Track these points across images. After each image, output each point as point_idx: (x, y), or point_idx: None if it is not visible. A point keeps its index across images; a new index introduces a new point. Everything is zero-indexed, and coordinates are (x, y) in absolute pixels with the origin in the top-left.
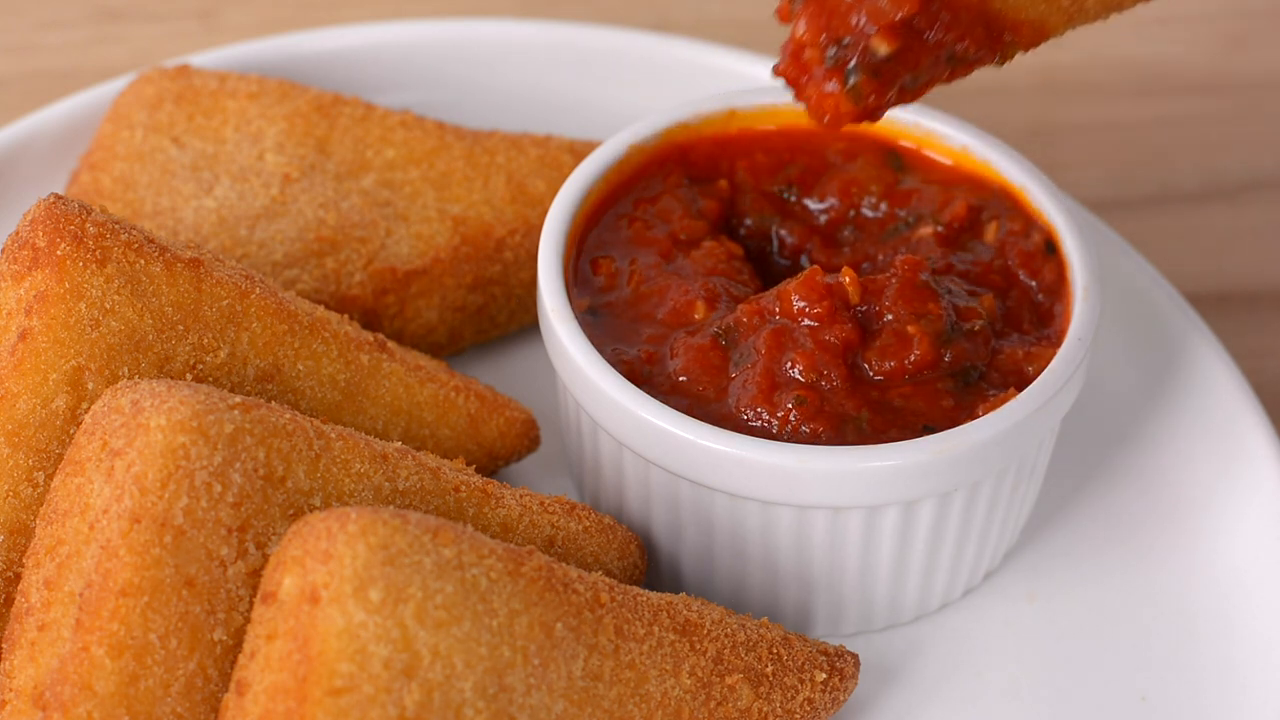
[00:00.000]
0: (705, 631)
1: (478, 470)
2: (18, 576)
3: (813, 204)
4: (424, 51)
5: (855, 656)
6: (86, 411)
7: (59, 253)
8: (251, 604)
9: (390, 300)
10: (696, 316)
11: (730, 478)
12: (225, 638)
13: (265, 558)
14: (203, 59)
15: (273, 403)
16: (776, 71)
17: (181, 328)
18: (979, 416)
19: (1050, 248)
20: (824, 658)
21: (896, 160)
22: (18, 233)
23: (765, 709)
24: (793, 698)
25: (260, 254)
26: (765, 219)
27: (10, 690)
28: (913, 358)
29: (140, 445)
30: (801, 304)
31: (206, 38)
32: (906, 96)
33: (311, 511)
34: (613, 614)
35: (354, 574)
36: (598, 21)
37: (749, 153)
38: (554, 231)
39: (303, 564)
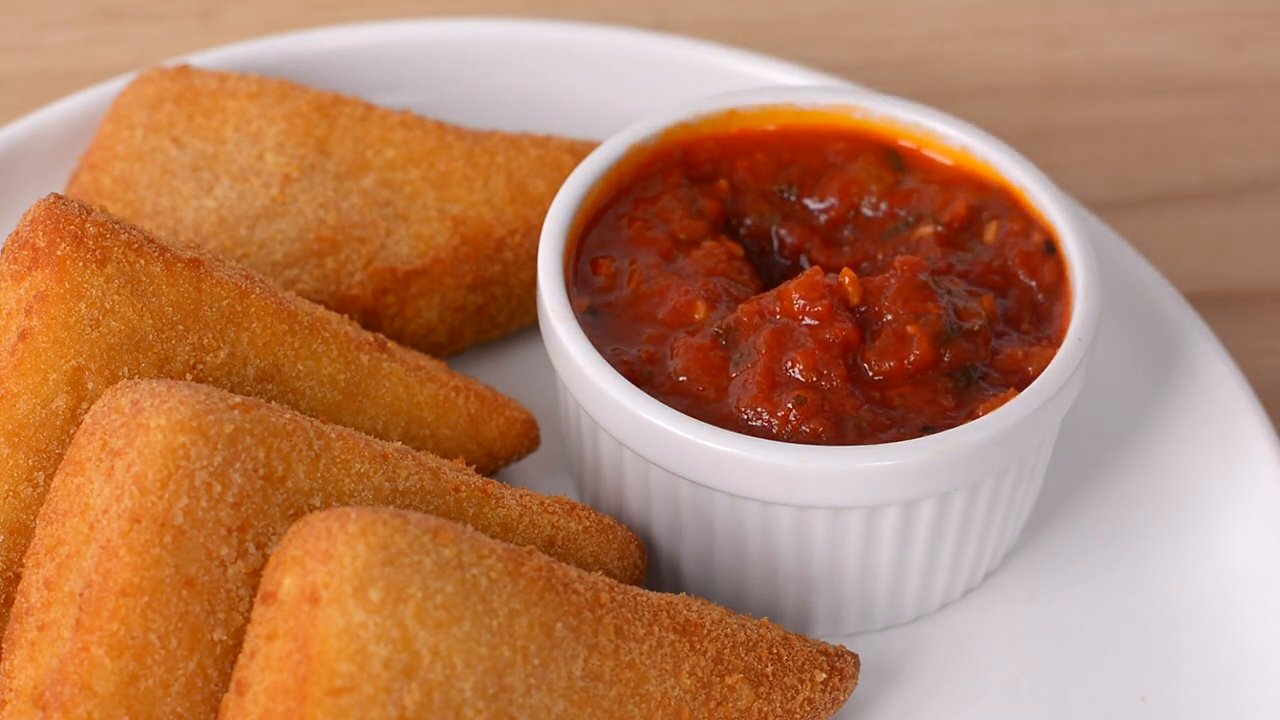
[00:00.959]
0: (705, 631)
1: (478, 470)
2: (18, 576)
3: (813, 204)
4: (424, 51)
5: (855, 656)
6: (86, 411)
7: (59, 253)
8: (251, 604)
9: (390, 300)
10: (697, 316)
11: (730, 478)
12: (225, 638)
13: (265, 558)
14: (203, 59)
15: (273, 403)
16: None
17: (181, 328)
18: (979, 416)
19: (1050, 248)
20: (824, 658)
21: (897, 160)
22: (18, 233)
23: (765, 709)
24: (793, 698)
25: (260, 254)
26: (765, 219)
27: (10, 690)
28: (912, 357)
29: (140, 445)
30: (802, 303)
31: (206, 38)
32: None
33: (311, 511)
34: (613, 614)
35: (354, 574)
36: (598, 21)
37: (749, 152)
38: (554, 231)
39: (303, 564)
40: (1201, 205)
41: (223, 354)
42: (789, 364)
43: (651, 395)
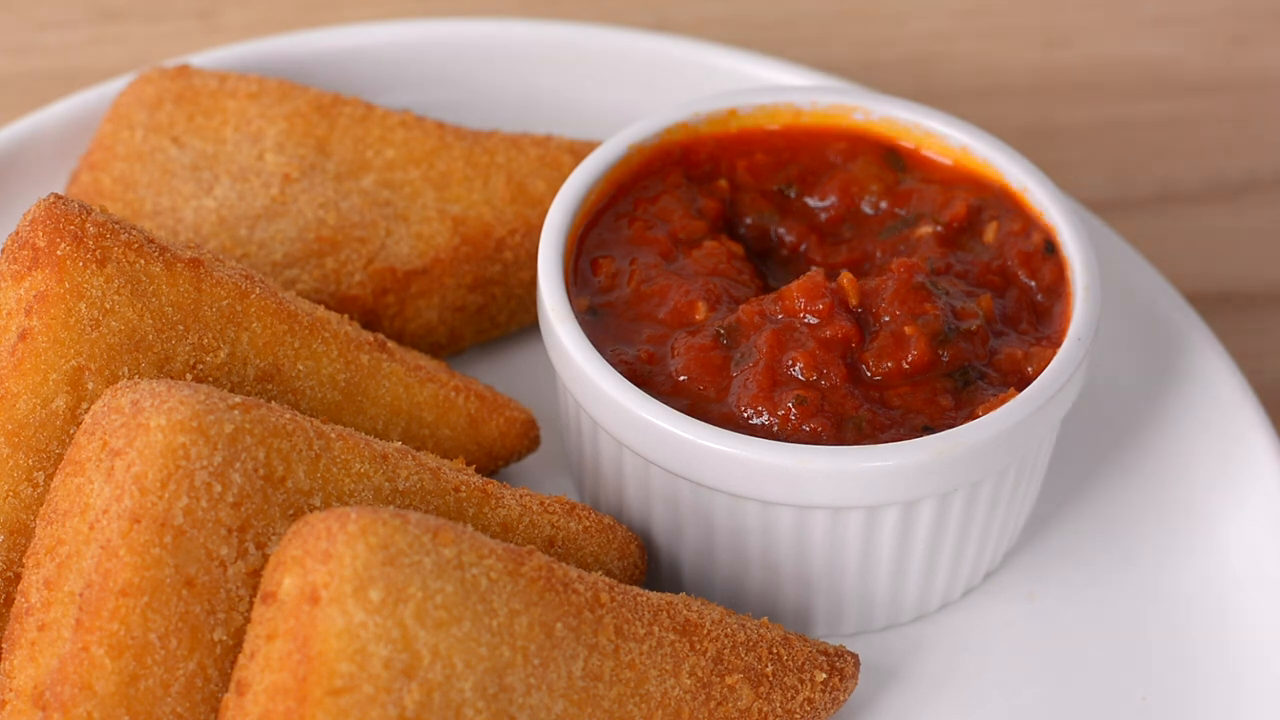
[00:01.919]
0: (705, 631)
1: (478, 470)
2: (18, 576)
3: (813, 202)
4: (424, 51)
5: (855, 656)
6: (86, 411)
7: (59, 253)
8: (251, 604)
9: (390, 300)
10: (697, 317)
11: (730, 478)
12: (225, 638)
13: (265, 558)
14: (203, 59)
15: (273, 403)
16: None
17: (181, 328)
18: (979, 416)
19: (1050, 248)
20: (824, 658)
21: (897, 160)
22: (18, 233)
23: (765, 709)
24: (793, 698)
25: (260, 254)
26: (765, 218)
27: (10, 690)
28: (910, 358)
29: (140, 445)
30: (802, 302)
31: (206, 38)
32: None
33: (311, 511)
34: (613, 614)
35: (354, 574)
36: (598, 21)
37: (749, 152)
38: (554, 231)
39: (303, 564)
40: (1201, 205)
41: (223, 354)
42: (789, 363)
43: (652, 395)
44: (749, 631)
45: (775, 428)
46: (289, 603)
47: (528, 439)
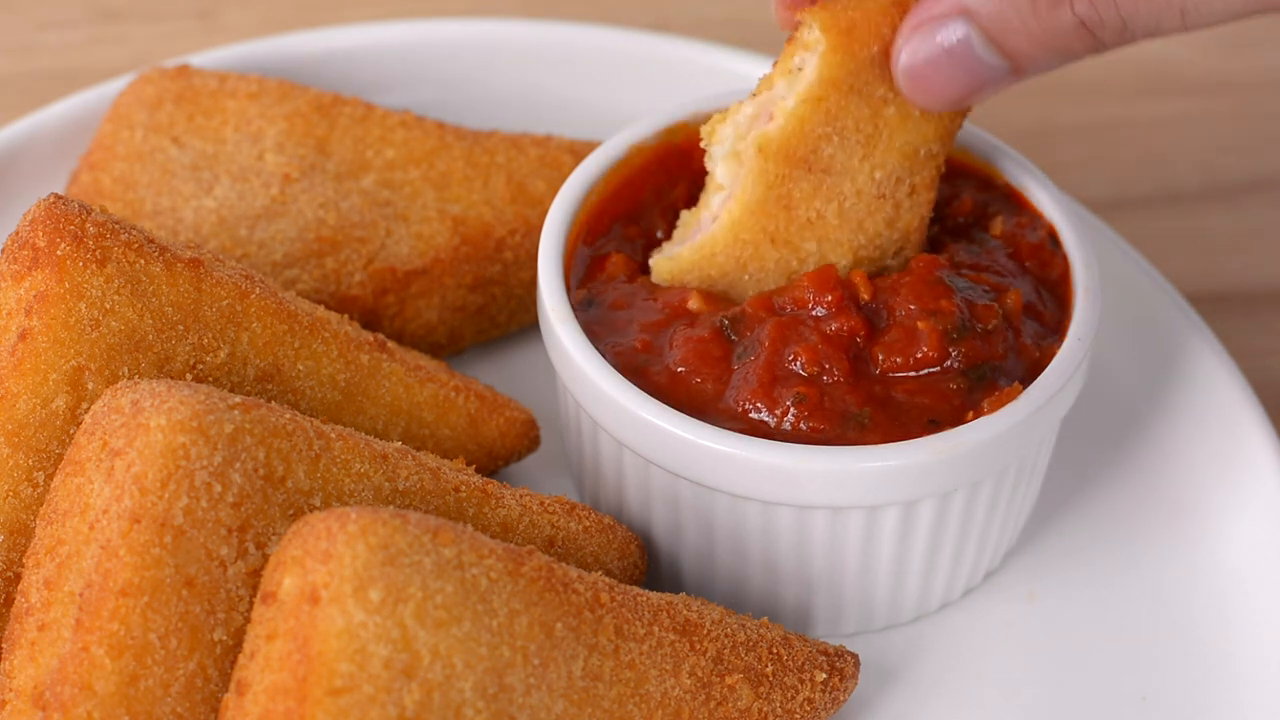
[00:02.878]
0: (705, 631)
1: (478, 470)
2: (18, 576)
3: None
4: (424, 51)
5: (855, 656)
6: (86, 411)
7: (59, 253)
8: (251, 604)
9: (390, 300)
10: (692, 307)
11: (730, 478)
12: (225, 638)
13: (265, 558)
14: (203, 59)
15: (273, 403)
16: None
17: (181, 328)
18: (982, 411)
19: (1053, 243)
20: (824, 658)
21: None
22: (18, 233)
23: (765, 709)
24: (793, 698)
25: (260, 254)
26: None
27: (10, 690)
28: (919, 354)
29: (140, 445)
30: (810, 293)
31: (206, 38)
32: None
33: (311, 511)
34: (613, 614)
35: (354, 574)
36: (598, 21)
37: None
38: (554, 231)
39: (303, 564)
40: (1201, 205)
41: (223, 354)
42: (791, 358)
43: (648, 387)
44: (749, 631)
45: (773, 423)
46: (289, 603)
47: (528, 439)
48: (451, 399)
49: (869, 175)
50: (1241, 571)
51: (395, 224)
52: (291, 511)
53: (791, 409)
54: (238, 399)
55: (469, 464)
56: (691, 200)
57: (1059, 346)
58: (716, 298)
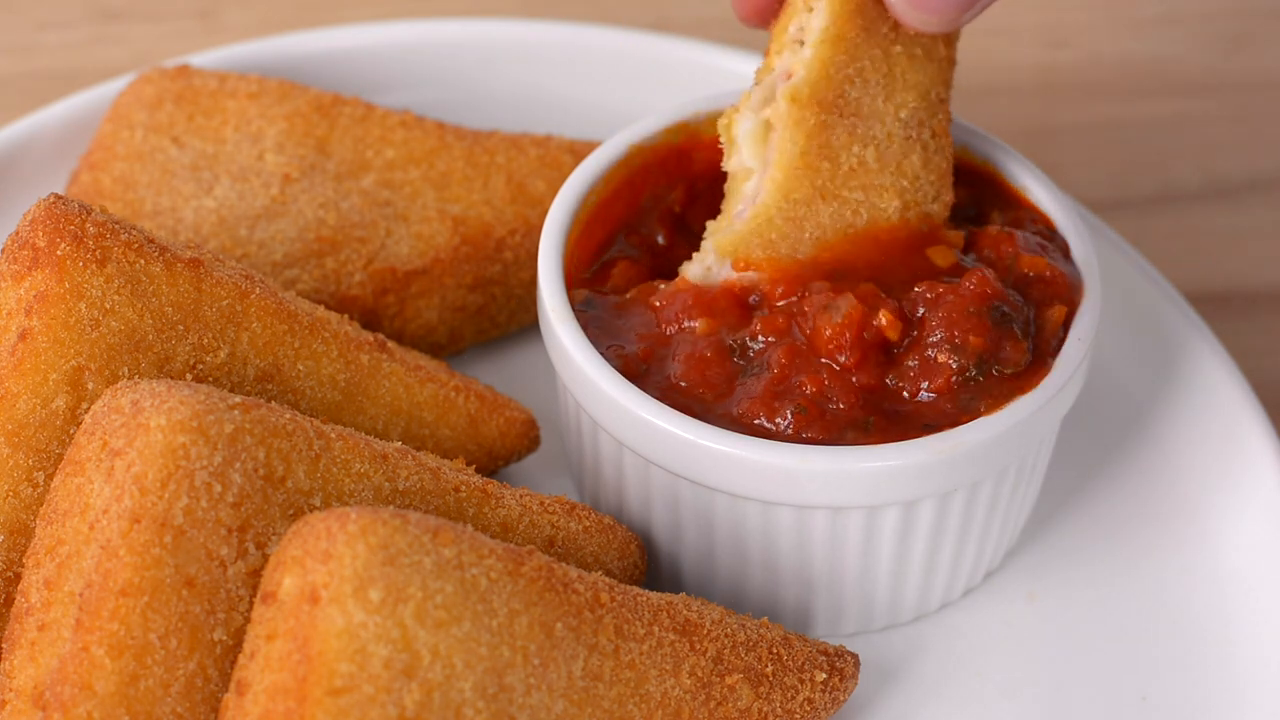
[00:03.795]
0: (705, 631)
1: (478, 470)
2: (18, 576)
3: None
4: (424, 51)
5: (855, 656)
6: (86, 411)
7: (59, 253)
8: (251, 604)
9: (390, 300)
10: (698, 329)
11: (730, 478)
12: (225, 638)
13: (265, 558)
14: (203, 59)
15: (273, 403)
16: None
17: (181, 328)
18: (980, 416)
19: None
20: (824, 658)
21: None
22: (18, 233)
23: (765, 709)
24: (793, 698)
25: (260, 254)
26: None
27: (10, 690)
28: (928, 385)
29: (140, 445)
30: (833, 345)
31: (206, 38)
32: None
33: (311, 511)
34: (613, 614)
35: (354, 574)
36: (598, 21)
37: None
38: (554, 231)
39: (303, 564)
40: (1201, 205)
41: (223, 354)
42: (798, 384)
43: (647, 392)
44: (749, 631)
45: (772, 433)
46: (289, 603)
47: (528, 439)
48: (451, 399)
49: (894, 116)
50: (1241, 571)
51: (395, 224)
52: (291, 511)
53: (791, 422)
54: (238, 399)
55: (469, 464)
56: (692, 200)
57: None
58: (720, 313)
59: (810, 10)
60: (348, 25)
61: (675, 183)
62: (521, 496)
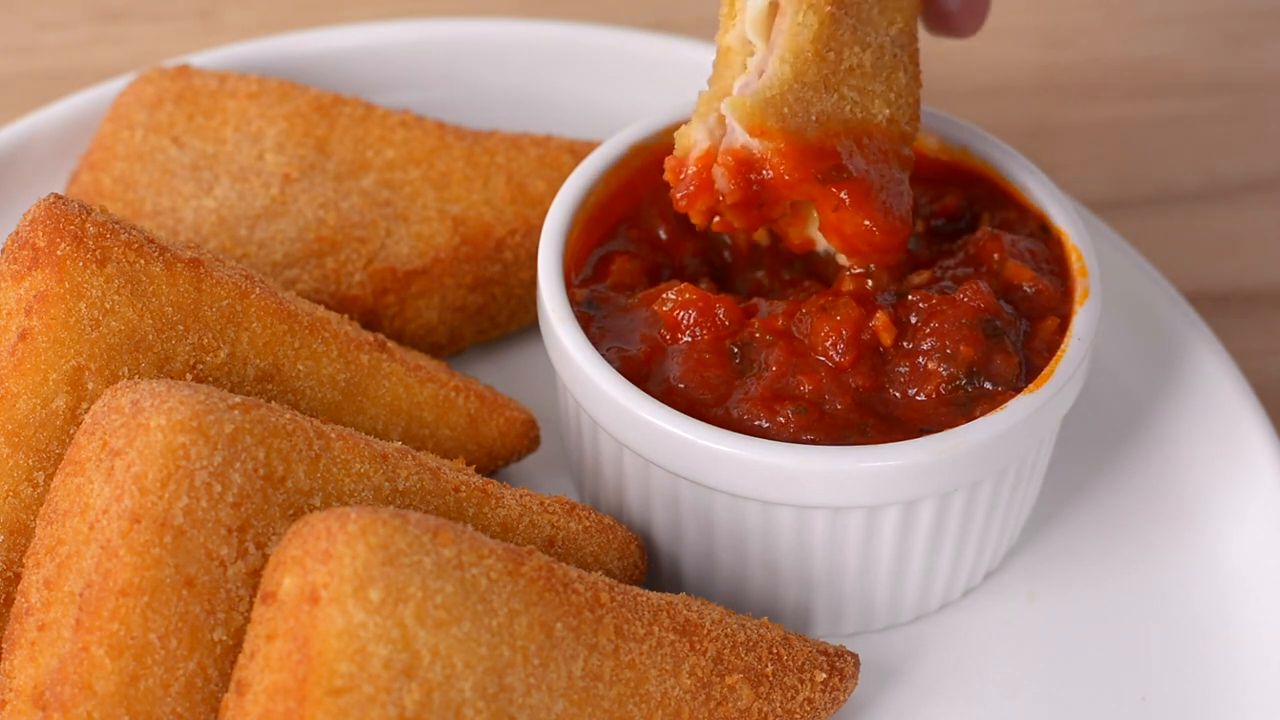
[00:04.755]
0: (705, 631)
1: (478, 470)
2: (18, 576)
3: None
4: (424, 51)
5: (855, 656)
6: (86, 411)
7: (59, 253)
8: (251, 604)
9: (390, 300)
10: (698, 335)
11: (730, 478)
12: (225, 638)
13: (265, 558)
14: (203, 59)
15: (273, 403)
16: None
17: (181, 328)
18: (978, 417)
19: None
20: (824, 658)
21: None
22: (18, 233)
23: (765, 709)
24: (793, 698)
25: (260, 254)
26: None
27: (10, 690)
28: (916, 392)
29: (140, 445)
30: (830, 341)
31: (206, 38)
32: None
33: (311, 511)
34: (613, 614)
35: (354, 574)
36: (598, 21)
37: None
38: (554, 231)
39: (303, 564)
40: (1201, 205)
41: (223, 354)
42: (796, 383)
43: (650, 394)
44: (749, 631)
45: (772, 433)
46: (289, 603)
47: (528, 439)
48: (451, 399)
49: (886, 30)
50: (1241, 571)
51: (395, 224)
52: (291, 511)
53: (792, 422)
54: (238, 399)
55: (469, 464)
56: None
57: (1059, 347)
58: (721, 316)
59: None
60: (348, 25)
61: None
62: (521, 496)
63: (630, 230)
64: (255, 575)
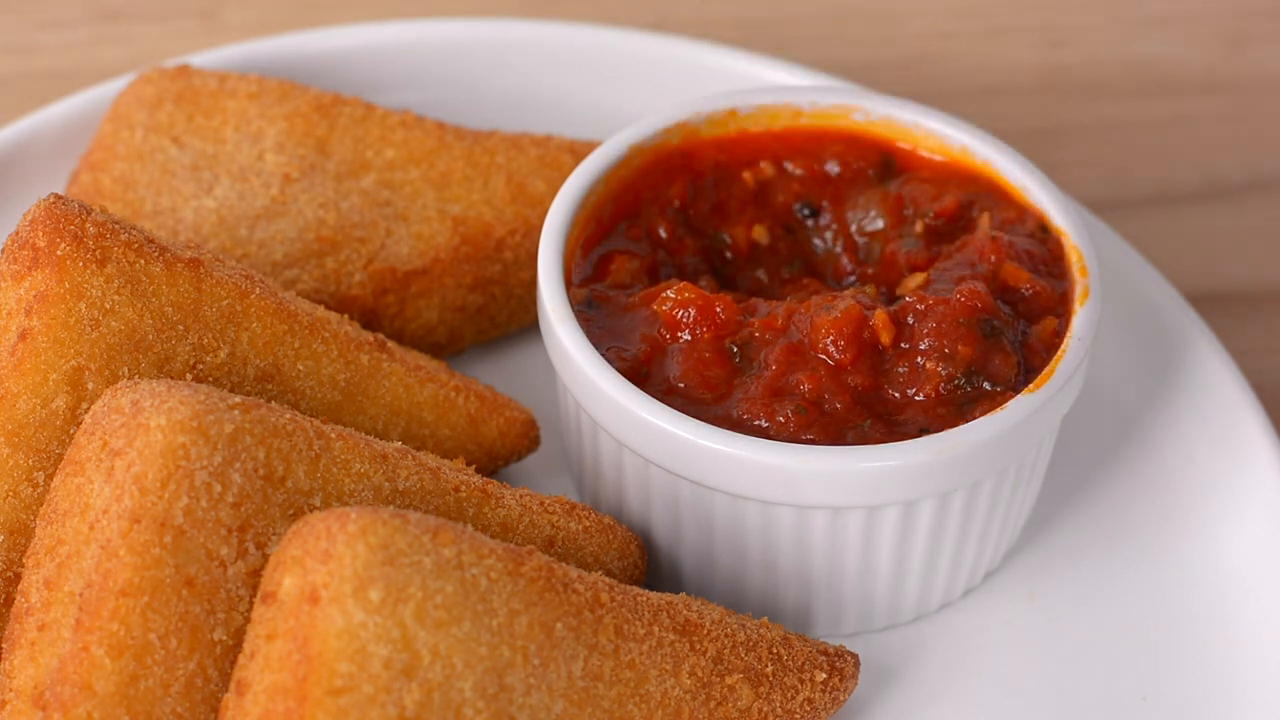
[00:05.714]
0: (705, 631)
1: (478, 470)
2: (18, 576)
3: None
4: (424, 51)
5: (855, 656)
6: (86, 411)
7: (59, 253)
8: (251, 604)
9: (390, 300)
10: (697, 333)
11: (730, 478)
12: (225, 638)
13: (265, 558)
14: (203, 59)
15: (273, 403)
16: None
17: (181, 328)
18: (978, 416)
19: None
20: (824, 658)
21: (890, 164)
22: (18, 233)
23: (765, 709)
24: (793, 698)
25: (260, 254)
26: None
27: (10, 690)
28: (915, 392)
29: (140, 445)
30: (829, 340)
31: (206, 38)
32: None
33: (311, 511)
34: (613, 614)
35: (354, 574)
36: (598, 21)
37: (750, 159)
38: (554, 231)
39: (303, 564)
40: (1201, 205)
41: (223, 354)
42: (795, 382)
43: (650, 394)
44: (749, 631)
45: (772, 432)
46: (289, 603)
47: (528, 439)
48: (451, 399)
49: None
50: (1241, 571)
51: (395, 224)
52: (291, 511)
53: (792, 421)
54: (238, 399)
55: (469, 464)
56: (691, 200)
57: (1059, 348)
58: (721, 316)
59: None
60: (348, 25)
61: (675, 182)
62: (521, 496)
63: (630, 230)
64: (255, 575)
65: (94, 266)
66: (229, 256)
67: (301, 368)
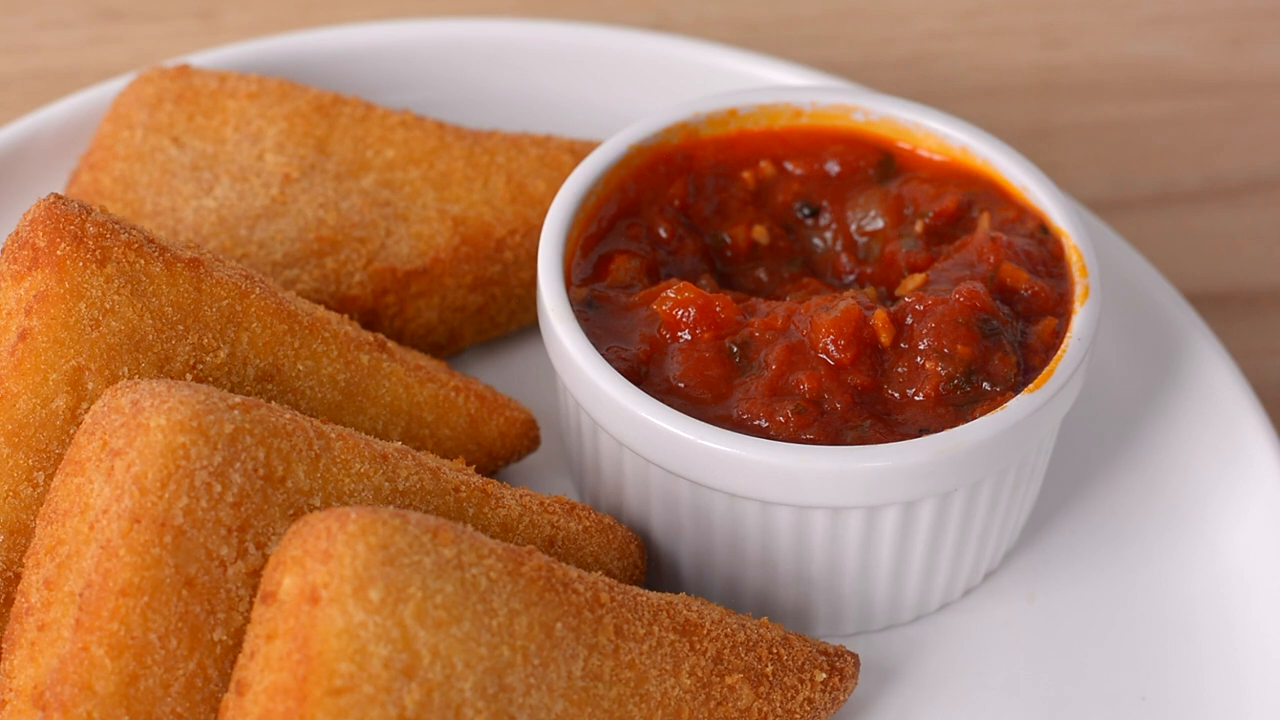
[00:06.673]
0: (705, 631)
1: (478, 470)
2: (18, 576)
3: (824, 220)
4: (424, 51)
5: (855, 656)
6: (86, 411)
7: (59, 253)
8: (251, 604)
9: (390, 300)
10: (697, 332)
11: (730, 477)
12: (225, 638)
13: (265, 558)
14: (203, 59)
15: (273, 403)
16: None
17: (181, 328)
18: (977, 417)
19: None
20: (824, 658)
21: (890, 164)
22: (18, 233)
23: (765, 709)
24: (793, 698)
25: (260, 254)
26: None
27: (10, 690)
28: (915, 392)
29: (140, 445)
30: (829, 340)
31: (206, 38)
32: None
33: (311, 511)
34: (613, 614)
35: (354, 574)
36: (598, 21)
37: (750, 160)
38: (554, 231)
39: (303, 564)
40: (1201, 205)
41: (223, 354)
42: (795, 382)
43: (650, 394)
44: (749, 631)
45: (772, 432)
46: (289, 603)
47: (528, 439)
48: (451, 399)
49: None
50: (1241, 571)
51: (395, 224)
52: (291, 511)
53: (792, 421)
54: (238, 399)
55: (469, 464)
56: (692, 200)
57: (1059, 348)
58: (721, 316)
59: None
60: (348, 25)
61: (675, 182)
62: (521, 496)
63: (630, 230)
64: (255, 575)
65: (94, 266)
66: (229, 256)
67: (301, 368)
